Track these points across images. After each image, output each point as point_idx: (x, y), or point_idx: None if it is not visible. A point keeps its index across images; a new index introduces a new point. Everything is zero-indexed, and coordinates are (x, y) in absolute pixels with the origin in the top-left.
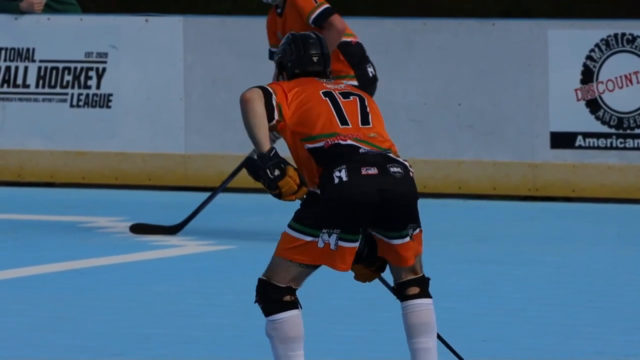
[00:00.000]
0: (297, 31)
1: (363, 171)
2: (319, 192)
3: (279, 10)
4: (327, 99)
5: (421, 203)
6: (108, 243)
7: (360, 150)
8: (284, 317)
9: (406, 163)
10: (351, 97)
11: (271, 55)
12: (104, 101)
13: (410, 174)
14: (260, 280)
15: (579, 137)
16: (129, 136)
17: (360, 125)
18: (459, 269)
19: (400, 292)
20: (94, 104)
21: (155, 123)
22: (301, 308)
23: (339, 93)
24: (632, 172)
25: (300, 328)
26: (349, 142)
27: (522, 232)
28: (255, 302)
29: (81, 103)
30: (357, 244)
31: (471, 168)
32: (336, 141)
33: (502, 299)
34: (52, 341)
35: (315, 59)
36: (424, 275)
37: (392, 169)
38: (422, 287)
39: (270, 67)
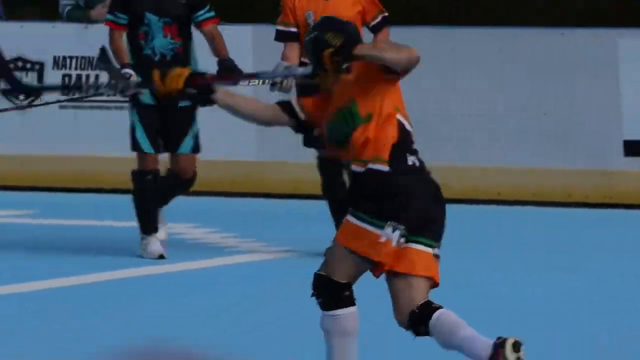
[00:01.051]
0: (346, 19)
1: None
2: None
3: None
4: None
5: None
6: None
7: None
8: (343, 313)
9: None
10: None
11: (278, 36)
12: None
13: None
14: (318, 275)
15: None
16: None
17: None
18: (533, 277)
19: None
20: None
21: None
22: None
23: None
24: None
25: (357, 324)
26: None
27: (596, 239)
28: (312, 296)
29: None
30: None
31: (545, 176)
32: None
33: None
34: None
35: None
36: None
37: None
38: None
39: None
